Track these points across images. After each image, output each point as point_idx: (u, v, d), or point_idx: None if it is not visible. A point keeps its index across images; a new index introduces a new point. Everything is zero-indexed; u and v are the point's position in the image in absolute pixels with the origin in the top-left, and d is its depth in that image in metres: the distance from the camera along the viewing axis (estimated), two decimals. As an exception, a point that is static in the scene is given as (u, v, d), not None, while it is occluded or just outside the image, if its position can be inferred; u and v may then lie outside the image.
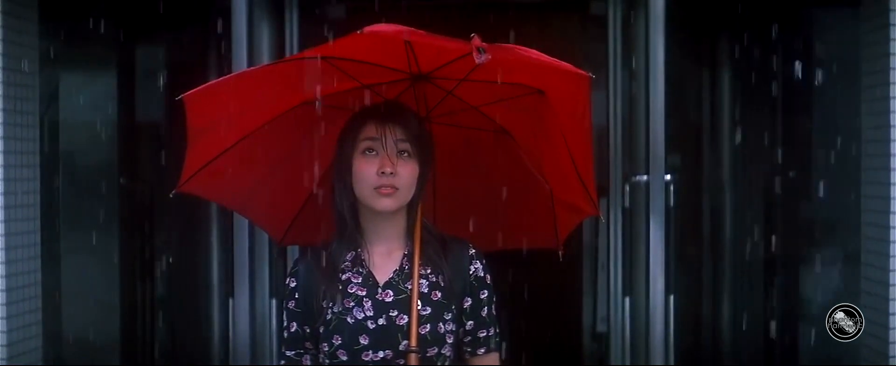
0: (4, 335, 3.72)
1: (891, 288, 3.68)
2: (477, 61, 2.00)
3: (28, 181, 3.92)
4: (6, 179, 3.75)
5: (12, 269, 3.77)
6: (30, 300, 3.90)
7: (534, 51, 2.14)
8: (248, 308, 3.74)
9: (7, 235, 3.75)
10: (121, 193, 4.42)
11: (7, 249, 3.75)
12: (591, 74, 2.13)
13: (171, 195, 2.52)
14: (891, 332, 3.68)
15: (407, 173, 2.25)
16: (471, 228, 2.60)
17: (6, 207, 3.75)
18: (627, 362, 4.06)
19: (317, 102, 2.38)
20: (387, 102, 2.35)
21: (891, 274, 3.68)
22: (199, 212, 4.58)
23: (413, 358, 2.21)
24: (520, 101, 2.29)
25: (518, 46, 2.13)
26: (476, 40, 2.01)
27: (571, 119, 2.28)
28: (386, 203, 2.24)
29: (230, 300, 3.76)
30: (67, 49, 4.20)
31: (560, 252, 2.61)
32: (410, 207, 2.33)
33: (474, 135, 2.49)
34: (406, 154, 2.26)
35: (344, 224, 2.32)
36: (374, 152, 2.25)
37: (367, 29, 2.00)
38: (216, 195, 2.71)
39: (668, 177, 3.70)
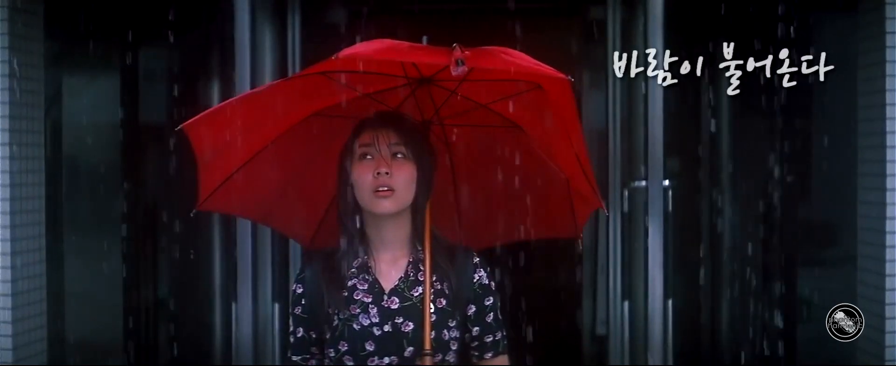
0: (11, 339, 3.74)
1: (887, 292, 3.72)
2: (453, 73, 2.04)
3: (33, 186, 3.94)
4: (12, 185, 3.78)
5: (18, 273, 3.79)
6: (34, 304, 3.92)
7: (518, 54, 2.17)
8: (250, 312, 3.77)
9: (13, 239, 3.77)
10: (124, 195, 4.44)
11: (13, 253, 3.77)
12: (570, 77, 2.15)
13: (192, 214, 2.56)
14: (887, 335, 3.71)
15: (403, 174, 2.29)
16: (497, 224, 2.65)
17: (12, 213, 3.77)
18: (626, 364, 4.09)
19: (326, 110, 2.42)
20: (381, 111, 2.39)
21: (887, 278, 3.72)
22: (201, 215, 4.60)
23: (427, 360, 2.24)
24: (524, 97, 2.32)
25: (504, 50, 2.17)
26: (457, 52, 2.04)
27: (567, 115, 2.31)
28: (384, 205, 2.28)
29: (233, 304, 3.78)
30: (72, 52, 4.22)
31: (579, 240, 2.67)
32: (415, 214, 2.36)
33: (487, 132, 2.53)
34: (401, 155, 2.30)
35: (349, 232, 2.36)
36: (369, 157, 2.30)
37: (342, 53, 2.04)
38: (236, 210, 2.76)
39: (666, 182, 3.73)
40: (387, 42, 2.14)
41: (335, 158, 2.39)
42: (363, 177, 2.29)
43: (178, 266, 4.64)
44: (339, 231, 2.40)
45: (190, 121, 2.36)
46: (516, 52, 2.17)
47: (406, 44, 2.15)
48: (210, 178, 2.48)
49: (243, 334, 3.80)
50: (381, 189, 2.27)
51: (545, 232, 2.72)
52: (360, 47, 2.10)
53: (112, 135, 4.43)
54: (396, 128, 2.32)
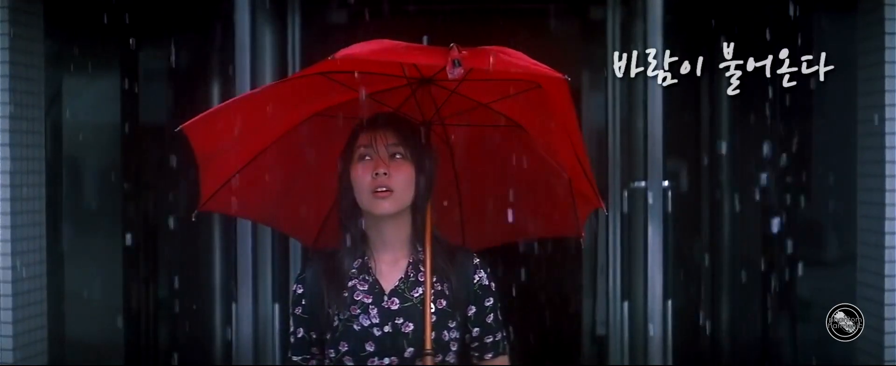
0: (11, 339, 3.75)
1: (886, 293, 3.72)
2: (450, 76, 2.05)
3: (33, 186, 3.94)
4: (12, 185, 3.78)
5: (18, 273, 3.80)
6: (35, 305, 3.93)
7: (515, 53, 2.18)
8: (250, 312, 3.78)
9: (13, 240, 3.78)
10: (124, 196, 4.45)
11: (14, 253, 3.78)
12: (566, 77, 2.16)
13: (193, 217, 2.57)
14: (886, 336, 3.72)
15: (401, 175, 2.30)
16: (499, 224, 2.66)
17: (13, 213, 3.77)
18: (626, 365, 4.09)
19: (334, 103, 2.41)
20: (378, 113, 2.40)
21: (886, 279, 3.72)
22: (202, 215, 4.60)
23: (429, 359, 2.25)
24: (525, 96, 2.32)
25: (501, 49, 2.17)
26: (454, 52, 2.05)
27: (566, 114, 2.32)
28: (383, 205, 2.29)
29: (233, 305, 3.79)
30: (72, 52, 4.22)
31: (581, 238, 2.68)
32: (415, 214, 2.37)
33: (489, 131, 2.53)
34: (399, 156, 2.31)
35: (349, 234, 2.37)
36: (368, 158, 2.31)
37: (339, 54, 2.05)
38: (239, 211, 2.76)
39: (666, 183, 3.73)
40: (384, 42, 2.15)
41: (337, 158, 2.40)
42: (361, 178, 2.30)
43: (178, 266, 4.65)
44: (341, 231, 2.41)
45: (189, 122, 2.37)
46: (514, 52, 2.18)
47: (403, 44, 2.16)
48: (211, 179, 2.49)
49: (243, 334, 3.81)
50: (379, 190, 2.28)
51: (548, 231, 2.73)
52: (357, 48, 2.10)
53: (112, 135, 4.44)
54: (394, 129, 2.33)
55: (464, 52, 2.06)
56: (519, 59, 2.16)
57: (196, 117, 2.38)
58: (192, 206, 2.59)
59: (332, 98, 2.39)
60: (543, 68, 2.16)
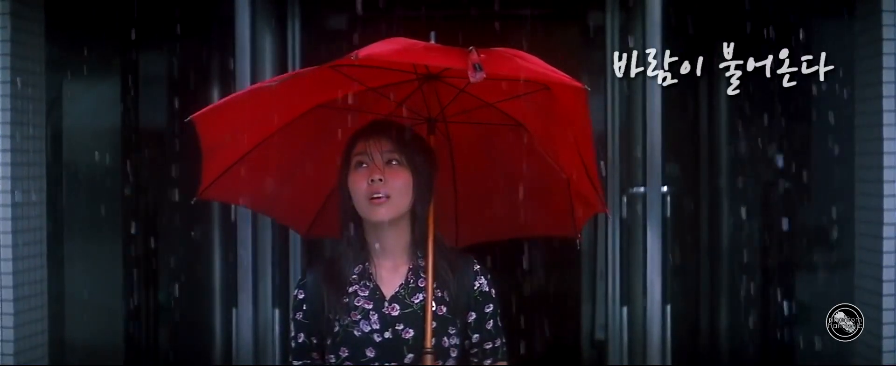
0: (12, 344, 3.76)
1: (883, 298, 3.73)
2: (472, 80, 2.03)
3: (34, 190, 3.95)
4: (14, 189, 3.79)
5: (19, 277, 3.81)
6: (36, 309, 3.94)
7: (531, 58, 2.18)
8: (251, 317, 3.78)
9: (14, 244, 3.78)
10: (124, 199, 4.45)
11: (14, 257, 3.78)
12: (586, 87, 2.16)
13: (192, 202, 2.58)
14: (884, 341, 3.73)
15: (397, 180, 2.31)
16: (494, 219, 2.68)
17: (14, 218, 3.78)
18: (625, 368, 4.11)
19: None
20: (374, 120, 2.42)
21: (884, 284, 3.73)
22: (201, 218, 4.62)
23: (429, 359, 2.26)
24: (532, 97, 2.32)
25: (518, 53, 2.17)
26: (473, 56, 2.04)
27: (576, 119, 2.33)
28: (379, 212, 2.30)
29: (234, 309, 3.79)
30: (72, 57, 4.23)
31: (578, 239, 2.69)
32: (414, 221, 2.37)
33: (493, 130, 2.55)
34: (395, 162, 2.32)
35: (349, 240, 2.38)
36: (364, 165, 2.32)
37: (361, 53, 2.04)
38: (237, 198, 2.77)
39: (664, 188, 3.74)
40: (402, 42, 2.14)
41: (337, 150, 2.41)
42: (358, 185, 2.31)
43: (178, 270, 4.66)
44: (337, 223, 2.42)
45: (199, 112, 2.37)
46: (530, 56, 2.18)
47: (422, 44, 2.16)
48: (213, 167, 2.49)
49: (244, 338, 3.81)
50: (375, 196, 2.29)
51: (543, 229, 2.74)
52: (377, 47, 2.09)
53: (112, 139, 4.44)
54: (390, 135, 2.34)
55: (482, 54, 2.05)
56: (537, 66, 2.17)
57: (206, 108, 2.39)
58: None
59: (338, 91, 2.39)
60: (562, 76, 2.17)
